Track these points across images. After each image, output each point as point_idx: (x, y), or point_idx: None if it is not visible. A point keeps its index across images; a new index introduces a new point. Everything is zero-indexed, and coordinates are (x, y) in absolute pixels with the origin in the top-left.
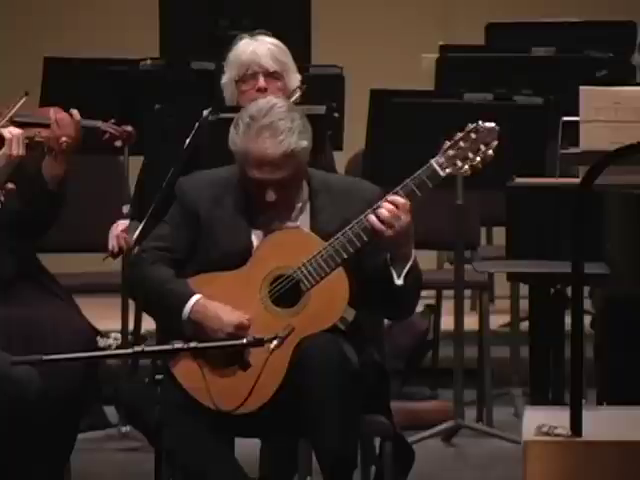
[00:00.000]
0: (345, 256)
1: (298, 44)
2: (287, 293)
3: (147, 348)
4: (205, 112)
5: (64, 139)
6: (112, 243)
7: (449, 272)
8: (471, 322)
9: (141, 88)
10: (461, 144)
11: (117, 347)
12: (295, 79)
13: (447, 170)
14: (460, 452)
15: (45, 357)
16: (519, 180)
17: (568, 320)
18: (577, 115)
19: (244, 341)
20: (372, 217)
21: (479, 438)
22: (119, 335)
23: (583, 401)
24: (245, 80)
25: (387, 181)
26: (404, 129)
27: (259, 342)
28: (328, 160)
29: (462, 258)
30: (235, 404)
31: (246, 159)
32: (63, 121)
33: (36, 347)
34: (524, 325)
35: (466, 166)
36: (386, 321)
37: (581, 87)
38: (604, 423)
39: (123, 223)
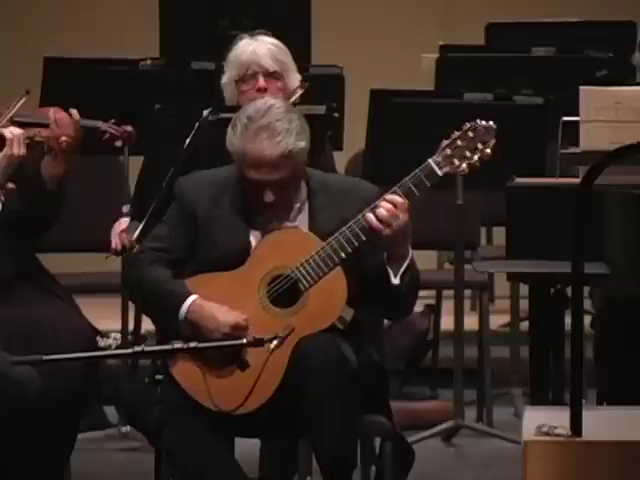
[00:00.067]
0: (343, 255)
1: (298, 44)
2: (285, 293)
3: (147, 348)
4: (205, 112)
5: (64, 138)
6: (115, 241)
7: (449, 272)
8: (471, 322)
9: (141, 88)
10: (458, 143)
11: (117, 347)
12: (295, 79)
13: (445, 169)
14: (460, 452)
15: (45, 357)
16: (519, 180)
17: (568, 320)
18: (577, 115)
19: (244, 341)
20: (370, 216)
21: (479, 438)
22: (119, 335)
23: (583, 401)
24: (245, 80)
25: (387, 181)
26: (404, 129)
27: (259, 342)
28: (328, 160)
29: (462, 258)
30: (235, 404)
31: (244, 160)
32: (63, 121)
33: (36, 347)
34: (524, 325)
35: (464, 165)
36: (386, 321)
37: (581, 87)
38: (604, 423)
39: (125, 221)
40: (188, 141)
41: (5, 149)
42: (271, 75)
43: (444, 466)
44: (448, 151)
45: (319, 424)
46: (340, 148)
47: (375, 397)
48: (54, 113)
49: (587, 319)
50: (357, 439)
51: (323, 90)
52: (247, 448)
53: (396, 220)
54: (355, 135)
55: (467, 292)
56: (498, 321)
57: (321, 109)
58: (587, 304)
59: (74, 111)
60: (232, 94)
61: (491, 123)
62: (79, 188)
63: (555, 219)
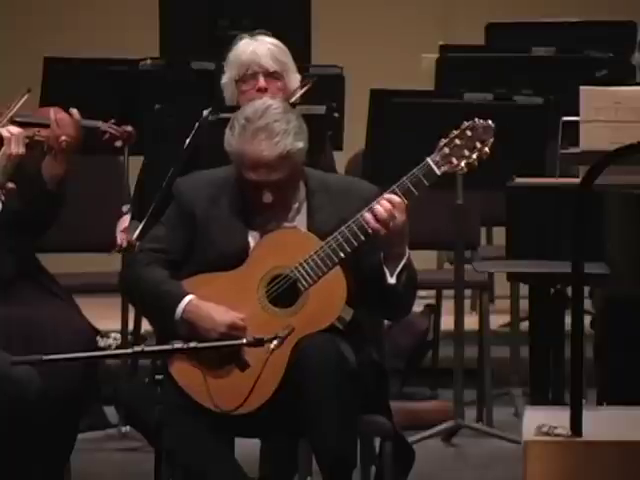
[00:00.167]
0: (342, 255)
1: (298, 44)
2: (285, 293)
3: (147, 348)
4: (205, 112)
5: (64, 138)
6: (120, 237)
7: (449, 272)
8: (471, 322)
9: (141, 88)
10: (457, 142)
11: (117, 347)
12: (295, 79)
13: (443, 168)
14: (460, 452)
15: (45, 357)
16: (519, 180)
17: (568, 320)
18: (577, 115)
19: (244, 341)
20: (367, 215)
21: (479, 438)
22: (119, 335)
23: (583, 401)
24: (245, 80)
25: (387, 181)
26: (404, 129)
27: (259, 342)
28: (328, 160)
29: (462, 258)
30: (235, 404)
31: (242, 161)
32: (63, 121)
33: (36, 347)
34: (524, 325)
35: (462, 163)
36: (386, 321)
37: (581, 87)
38: (604, 423)
39: (127, 219)
40: (188, 141)
41: (4, 148)
42: (271, 75)
43: (444, 466)
44: (446, 150)
45: (319, 424)
46: (340, 148)
47: (375, 397)
48: (55, 113)
49: (587, 319)
50: (357, 439)
51: (323, 90)
52: (247, 448)
53: (393, 220)
54: (355, 135)
55: (467, 292)
56: (498, 321)
57: (321, 109)
58: (587, 304)
59: (74, 111)
60: (232, 94)
61: (489, 122)
62: (79, 188)
63: (555, 219)
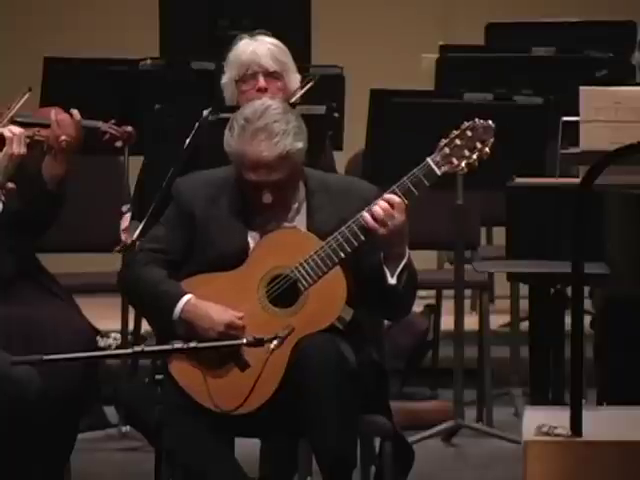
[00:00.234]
0: (342, 255)
1: (298, 44)
2: (285, 293)
3: (147, 348)
4: (205, 112)
5: (64, 138)
6: (125, 235)
7: (449, 272)
8: (471, 322)
9: (141, 88)
10: (457, 142)
11: (117, 347)
12: (295, 79)
13: (443, 168)
14: (460, 452)
15: (45, 357)
16: (519, 180)
17: (568, 320)
18: (577, 115)
19: (244, 341)
20: (367, 215)
21: (479, 438)
22: (119, 335)
23: (583, 401)
24: (245, 80)
25: (387, 181)
26: (404, 129)
27: (259, 342)
28: (328, 160)
29: (462, 258)
30: (235, 404)
31: (242, 162)
32: (64, 122)
33: (36, 347)
34: (524, 325)
35: (463, 164)
36: (386, 321)
37: (581, 87)
38: (604, 423)
39: (128, 218)
40: (188, 141)
41: (5, 148)
42: (271, 75)
43: (444, 466)
44: (447, 150)
45: (319, 424)
46: (340, 148)
47: (375, 397)
48: (55, 114)
49: (587, 319)
50: (357, 439)
51: (323, 90)
52: (247, 448)
53: (392, 220)
54: (355, 135)
55: (467, 292)
56: (498, 321)
57: (321, 109)
58: (587, 304)
59: (75, 111)
60: (232, 94)
61: (490, 122)
62: (79, 188)
63: (555, 219)
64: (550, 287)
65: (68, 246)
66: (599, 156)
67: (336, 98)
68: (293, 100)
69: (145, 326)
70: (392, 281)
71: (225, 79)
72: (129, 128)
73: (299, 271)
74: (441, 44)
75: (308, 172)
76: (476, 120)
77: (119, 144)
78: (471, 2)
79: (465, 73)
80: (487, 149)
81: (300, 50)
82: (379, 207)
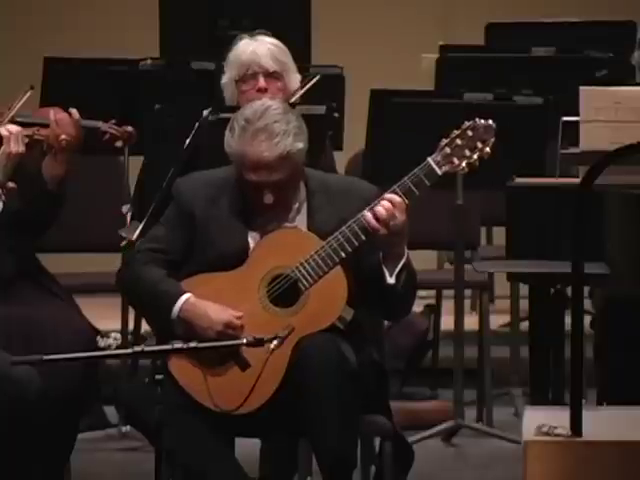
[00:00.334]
0: (343, 255)
1: (298, 44)
2: (285, 293)
3: (147, 348)
4: (205, 112)
5: (63, 137)
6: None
7: (449, 272)
8: (471, 322)
9: (141, 88)
10: (458, 142)
11: (117, 347)
12: (295, 79)
13: (444, 168)
14: (460, 452)
15: (45, 357)
16: (519, 180)
17: (568, 320)
18: (577, 115)
19: (244, 341)
20: (368, 215)
21: (479, 438)
22: (119, 335)
23: (583, 401)
24: (245, 80)
25: (387, 181)
26: (404, 129)
27: (259, 342)
28: (328, 160)
29: (462, 258)
30: (235, 404)
31: (242, 162)
32: (62, 121)
33: (36, 347)
34: (524, 325)
35: (463, 163)
36: (386, 321)
37: (581, 87)
38: (604, 423)
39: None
40: (188, 141)
41: (3, 147)
42: (271, 75)
43: (444, 466)
44: (447, 150)
45: (319, 424)
46: (340, 148)
47: (375, 397)
48: (55, 114)
49: (587, 319)
50: (357, 439)
51: (323, 90)
52: (247, 448)
53: (393, 219)
54: (355, 135)
55: (467, 292)
56: (498, 321)
57: (321, 109)
58: (587, 304)
59: (74, 111)
60: (232, 94)
61: (490, 122)
62: (79, 188)
63: (555, 219)
64: (550, 287)
65: (68, 246)
66: (599, 156)
67: (336, 98)
68: (293, 100)
69: (145, 326)
70: (391, 281)
71: (225, 79)
72: (129, 128)
73: (300, 271)
74: (441, 44)
75: (308, 172)
76: (477, 120)
77: (119, 144)
78: (471, 2)
79: (465, 73)
80: (488, 149)
81: (300, 50)
82: (382, 207)
